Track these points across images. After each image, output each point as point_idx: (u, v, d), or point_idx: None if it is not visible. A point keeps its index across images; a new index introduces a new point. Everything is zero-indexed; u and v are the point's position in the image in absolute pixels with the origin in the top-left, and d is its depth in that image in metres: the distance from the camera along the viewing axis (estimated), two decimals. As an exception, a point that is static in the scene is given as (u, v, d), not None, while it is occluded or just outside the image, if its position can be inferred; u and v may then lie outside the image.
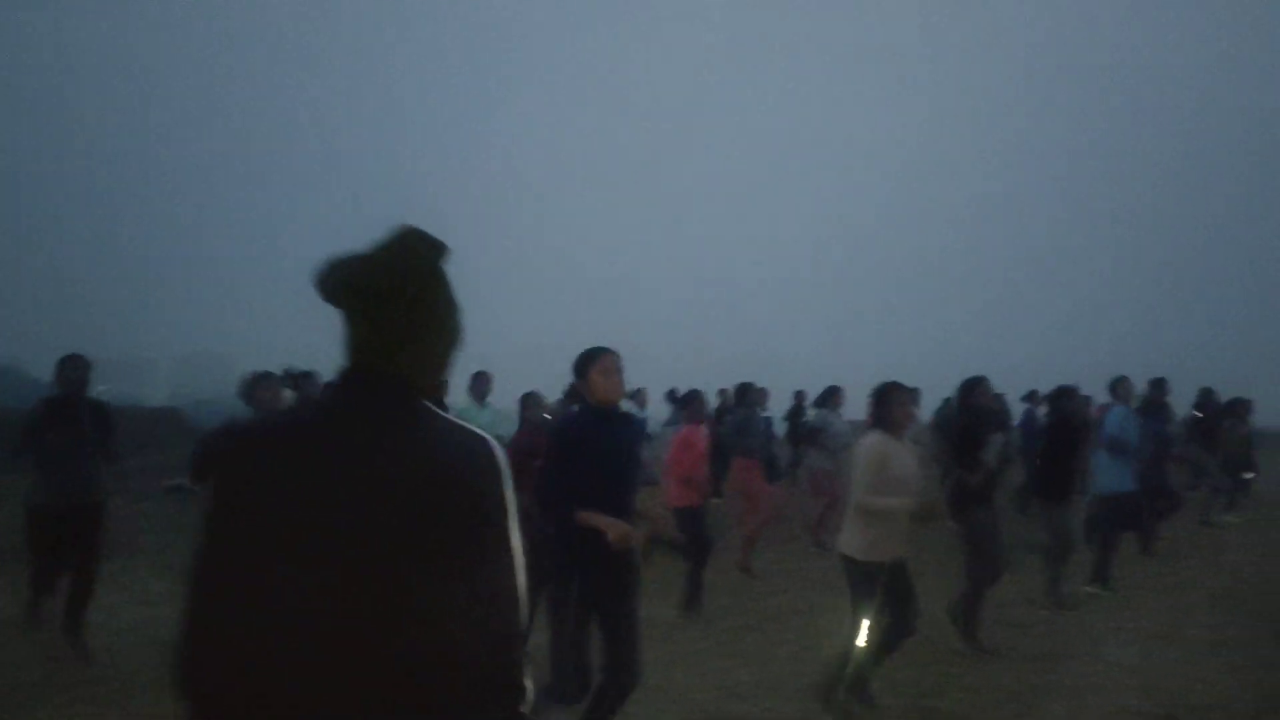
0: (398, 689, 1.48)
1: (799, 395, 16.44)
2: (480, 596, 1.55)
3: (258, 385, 5.70)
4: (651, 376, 16.43)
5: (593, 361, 4.40)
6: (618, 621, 4.34)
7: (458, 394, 10.05)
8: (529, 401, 7.39)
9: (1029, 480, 11.53)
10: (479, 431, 1.67)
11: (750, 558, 9.66)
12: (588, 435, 4.33)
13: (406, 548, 1.50)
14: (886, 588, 5.30)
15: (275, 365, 6.29)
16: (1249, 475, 15.48)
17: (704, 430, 8.71)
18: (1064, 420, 8.41)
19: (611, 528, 4.13)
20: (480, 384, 9.63)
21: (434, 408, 1.67)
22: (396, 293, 1.66)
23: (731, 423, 10.48)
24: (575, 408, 4.99)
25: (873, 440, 5.44)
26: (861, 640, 5.32)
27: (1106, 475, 9.01)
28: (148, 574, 8.99)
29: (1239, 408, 14.56)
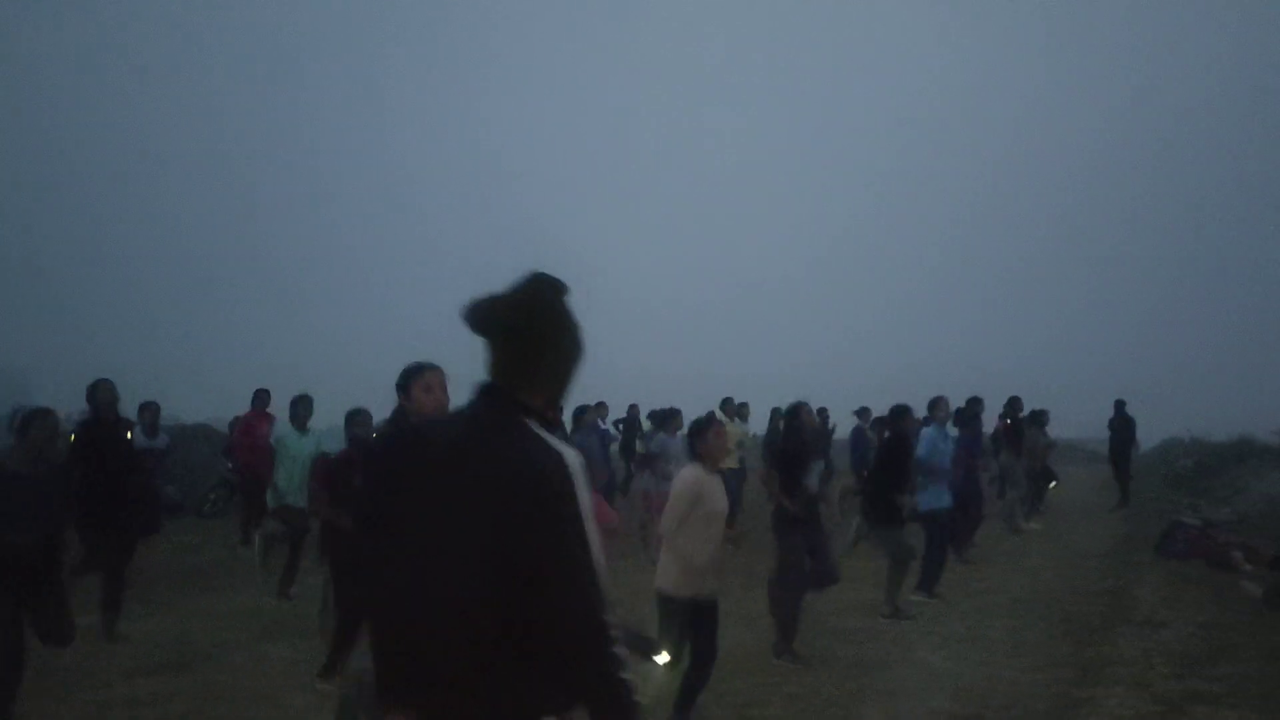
0: (495, 643, 1.86)
1: (632, 409, 16.57)
2: (557, 575, 1.87)
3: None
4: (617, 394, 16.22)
5: (415, 377, 4.25)
6: None
7: (283, 416, 9.68)
8: (355, 419, 7.15)
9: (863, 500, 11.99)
10: (558, 446, 1.97)
11: None
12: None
13: (494, 533, 1.86)
14: (694, 624, 5.26)
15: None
16: (1053, 484, 16.64)
17: None
18: (901, 440, 8.69)
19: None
20: (301, 409, 9.27)
21: (531, 423, 2.00)
22: (521, 328, 2.04)
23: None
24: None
25: (687, 475, 5.38)
26: (659, 671, 5.25)
27: (923, 494, 9.32)
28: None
29: (1039, 417, 15.63)
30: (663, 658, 5.15)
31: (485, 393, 2.05)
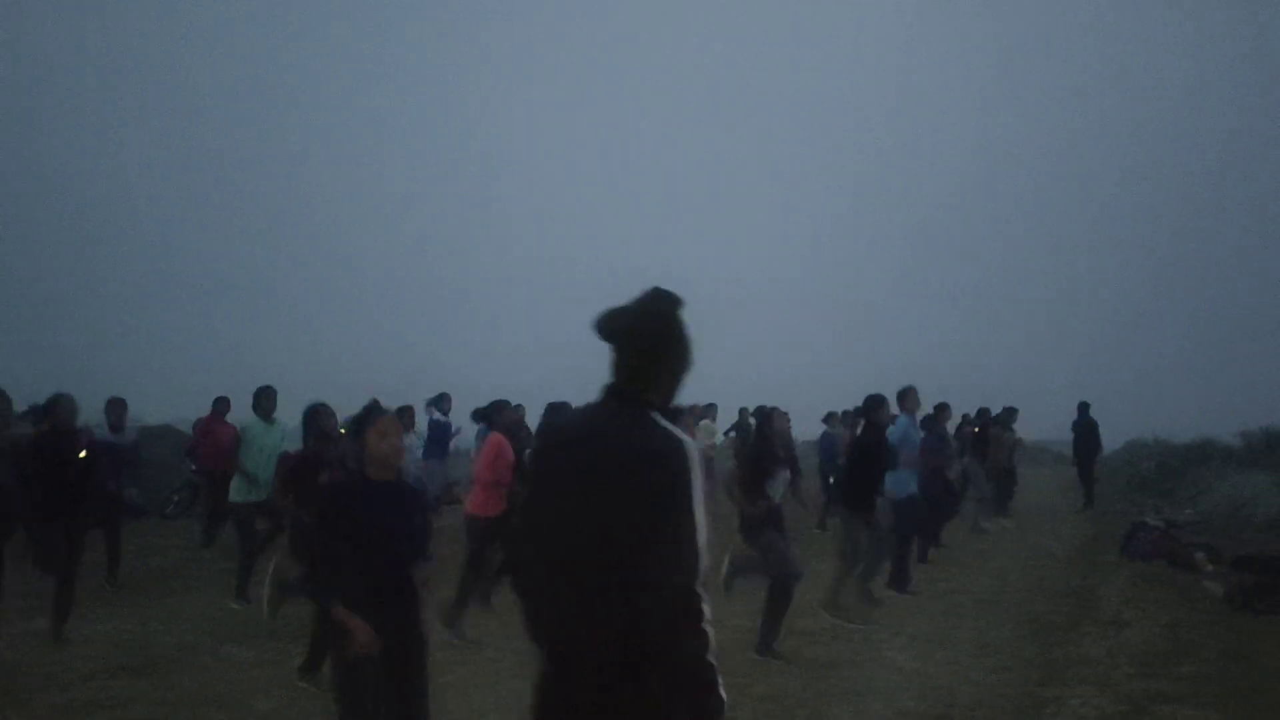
0: (620, 595, 2.26)
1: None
2: (672, 540, 2.26)
3: None
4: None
5: (369, 422, 4.18)
6: (405, 681, 4.16)
7: (245, 412, 9.58)
8: (320, 413, 7.09)
9: (834, 490, 12.03)
10: (678, 433, 2.36)
11: None
12: (355, 504, 4.07)
13: (624, 507, 2.28)
14: None
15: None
16: (1014, 486, 16.81)
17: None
18: (876, 429, 8.75)
19: (357, 633, 3.92)
20: (265, 401, 9.24)
21: (655, 416, 2.39)
22: (644, 337, 2.43)
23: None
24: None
25: None
26: None
27: (891, 481, 9.37)
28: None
29: (1007, 416, 15.84)
30: None
31: (615, 392, 2.45)
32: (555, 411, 10.98)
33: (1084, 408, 17.37)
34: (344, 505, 4.10)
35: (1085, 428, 17.24)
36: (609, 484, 2.32)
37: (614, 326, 2.45)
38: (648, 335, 2.43)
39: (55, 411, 7.59)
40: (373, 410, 4.25)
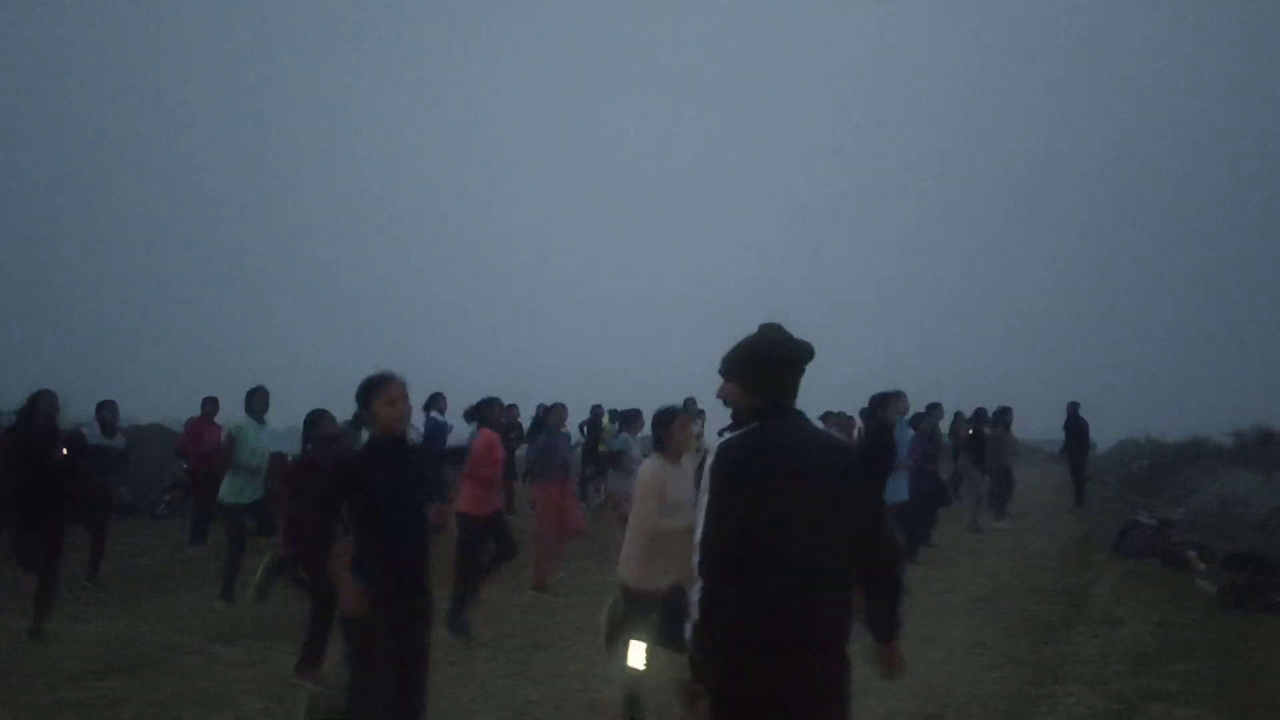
0: (836, 569, 2.88)
1: (595, 410, 16.52)
2: (867, 520, 2.96)
3: None
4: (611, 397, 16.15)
5: (377, 391, 4.23)
6: (407, 656, 4.18)
7: (237, 411, 9.54)
8: (322, 418, 7.04)
9: None
10: (837, 435, 3.36)
11: (547, 576, 9.58)
12: (374, 471, 4.17)
13: (830, 497, 2.87)
14: (662, 615, 5.17)
15: None
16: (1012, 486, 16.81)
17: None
18: (884, 427, 8.72)
19: (346, 597, 3.98)
20: (257, 401, 9.20)
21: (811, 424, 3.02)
22: (800, 362, 3.05)
23: (537, 450, 10.35)
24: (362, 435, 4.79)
25: (649, 465, 5.36)
26: (636, 664, 5.24)
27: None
28: None
29: (1004, 416, 15.85)
30: (640, 648, 5.17)
31: (789, 409, 3.00)
32: (546, 413, 11.02)
33: (1074, 407, 17.38)
34: (356, 476, 4.18)
35: (1076, 427, 17.26)
36: (820, 479, 2.87)
37: (798, 355, 3.04)
38: (793, 362, 3.03)
39: (37, 408, 7.50)
40: (378, 379, 4.25)
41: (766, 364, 2.98)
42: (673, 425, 5.44)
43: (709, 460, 2.92)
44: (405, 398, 4.27)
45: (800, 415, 3.00)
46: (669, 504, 5.28)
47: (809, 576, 2.79)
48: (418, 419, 13.17)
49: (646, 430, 11.46)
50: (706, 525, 2.80)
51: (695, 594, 2.81)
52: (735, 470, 2.84)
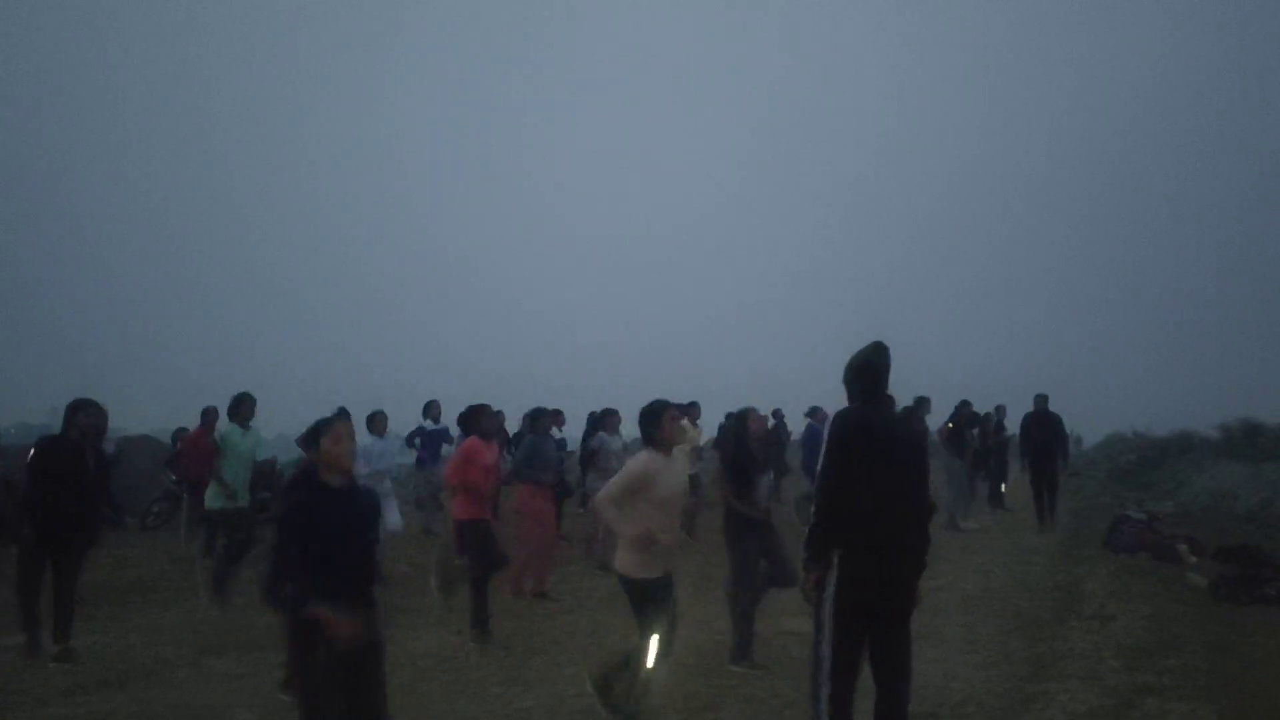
0: (919, 517, 4.62)
1: (593, 416, 16.44)
2: (927, 481, 4.75)
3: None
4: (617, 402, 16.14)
5: (325, 431, 4.34)
6: (363, 686, 4.21)
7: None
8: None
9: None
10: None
11: (525, 582, 9.51)
12: (313, 509, 4.24)
13: (914, 466, 4.66)
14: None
15: None
16: (1004, 486, 16.79)
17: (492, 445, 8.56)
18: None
19: (338, 625, 3.99)
20: (243, 408, 9.18)
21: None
22: (887, 369, 4.74)
23: (523, 449, 10.26)
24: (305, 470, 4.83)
25: (638, 458, 5.39)
26: (650, 657, 5.27)
27: None
28: None
29: (999, 415, 15.80)
30: (651, 639, 5.21)
31: (884, 399, 4.87)
32: (539, 416, 10.95)
33: (1042, 400, 14.71)
34: (301, 507, 4.26)
35: (1048, 424, 14.60)
36: (908, 451, 4.66)
37: (887, 363, 4.71)
38: (882, 369, 4.73)
39: (73, 421, 7.00)
40: (329, 419, 4.45)
41: (870, 368, 4.68)
42: (663, 418, 5.45)
43: (829, 423, 4.65)
44: (350, 436, 4.42)
45: (889, 404, 4.97)
46: (660, 497, 5.29)
47: (895, 499, 4.45)
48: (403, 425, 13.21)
49: (624, 429, 11.44)
50: (827, 463, 4.49)
51: (814, 510, 4.50)
52: (848, 430, 4.50)
